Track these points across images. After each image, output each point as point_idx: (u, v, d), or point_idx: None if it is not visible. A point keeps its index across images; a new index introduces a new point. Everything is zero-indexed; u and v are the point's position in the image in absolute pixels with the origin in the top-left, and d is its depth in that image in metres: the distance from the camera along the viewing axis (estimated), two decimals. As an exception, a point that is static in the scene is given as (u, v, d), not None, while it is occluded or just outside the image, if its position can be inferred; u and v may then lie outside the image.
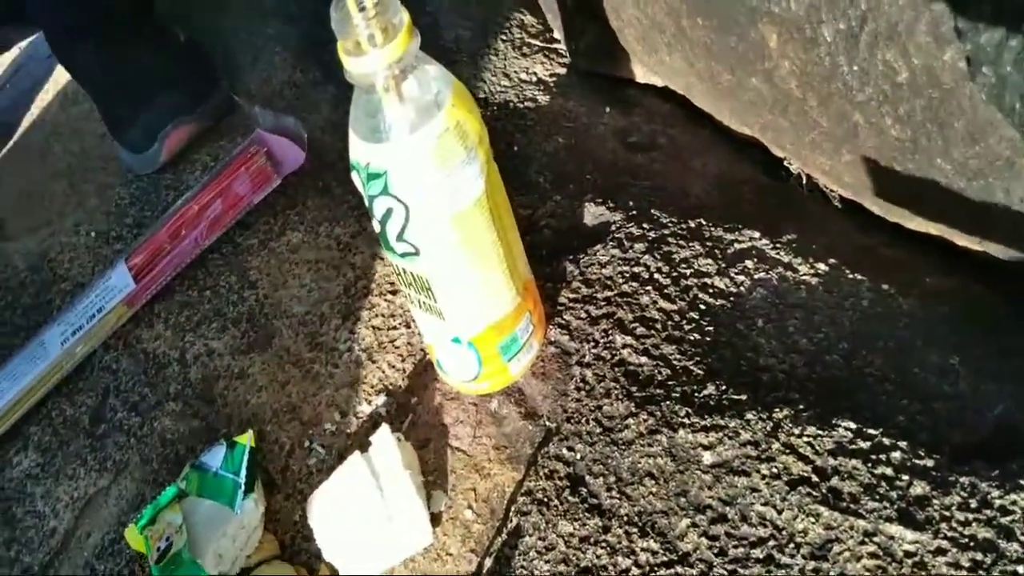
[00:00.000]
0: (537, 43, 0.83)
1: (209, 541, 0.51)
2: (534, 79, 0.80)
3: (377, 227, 0.45)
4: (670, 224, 0.60)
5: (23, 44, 1.20)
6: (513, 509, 0.48)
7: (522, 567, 0.45)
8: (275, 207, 0.75)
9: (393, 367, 0.58)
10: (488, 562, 0.46)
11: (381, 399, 0.57)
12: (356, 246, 0.68)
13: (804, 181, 0.64)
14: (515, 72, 0.81)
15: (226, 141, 0.85)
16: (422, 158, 0.41)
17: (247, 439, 0.56)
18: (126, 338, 0.70)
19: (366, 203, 0.45)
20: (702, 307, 0.53)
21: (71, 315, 0.71)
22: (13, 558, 0.61)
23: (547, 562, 0.44)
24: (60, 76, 1.09)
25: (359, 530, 0.48)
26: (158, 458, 0.60)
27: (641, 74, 0.77)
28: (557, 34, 0.81)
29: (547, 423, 0.51)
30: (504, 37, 0.84)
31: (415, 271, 0.46)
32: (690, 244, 0.58)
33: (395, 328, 0.61)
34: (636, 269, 0.57)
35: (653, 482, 0.45)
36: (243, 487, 0.53)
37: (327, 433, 0.57)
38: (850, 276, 0.53)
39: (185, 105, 0.83)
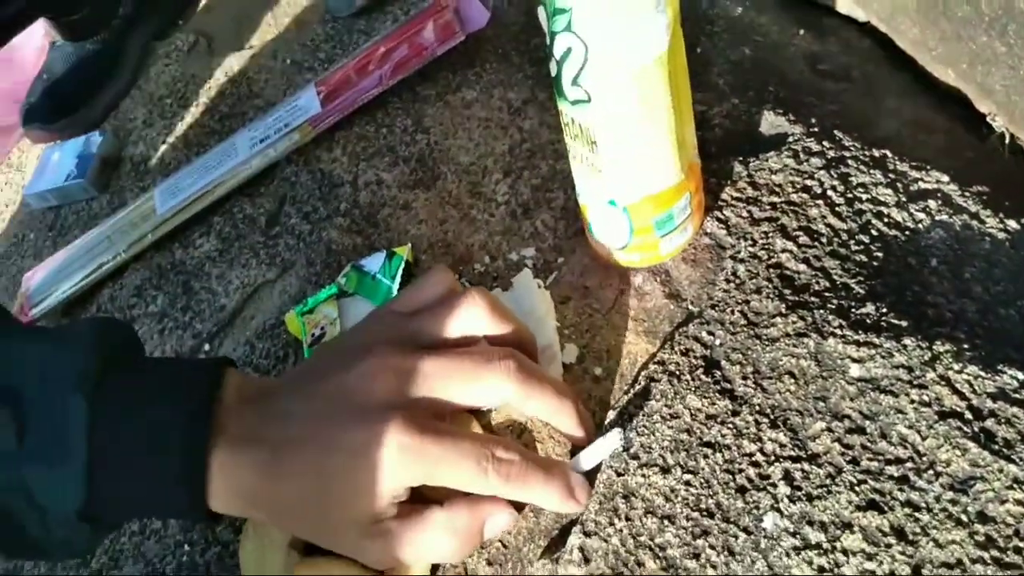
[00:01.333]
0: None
1: (356, 339, 0.51)
2: (728, -10, 0.72)
3: (554, 68, 0.42)
4: (852, 148, 0.53)
5: None
6: (643, 374, 0.45)
7: (644, 426, 0.42)
8: (455, 65, 0.72)
9: (546, 225, 0.55)
10: (611, 415, 0.44)
11: (530, 251, 0.54)
12: (526, 112, 0.65)
13: (1007, 141, 0.55)
14: (709, -21, 0.73)
15: None
16: None
17: (405, 251, 0.55)
18: (306, 156, 0.70)
19: (547, 41, 0.41)
20: (874, 232, 0.48)
21: (261, 125, 0.72)
22: (187, 322, 0.63)
23: (670, 428, 0.42)
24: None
25: (493, 360, 0.47)
26: (322, 263, 0.60)
27: (843, 4, 0.68)
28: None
29: (690, 307, 0.47)
30: (703, -55, 0.76)
31: (583, 121, 0.43)
32: (871, 171, 0.51)
33: (552, 191, 0.58)
34: (809, 182, 0.51)
35: (792, 381, 0.41)
36: (396, 293, 0.52)
37: (475, 272, 0.55)
38: (1043, 238, 0.46)
39: (390, -43, 0.81)
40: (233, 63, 0.85)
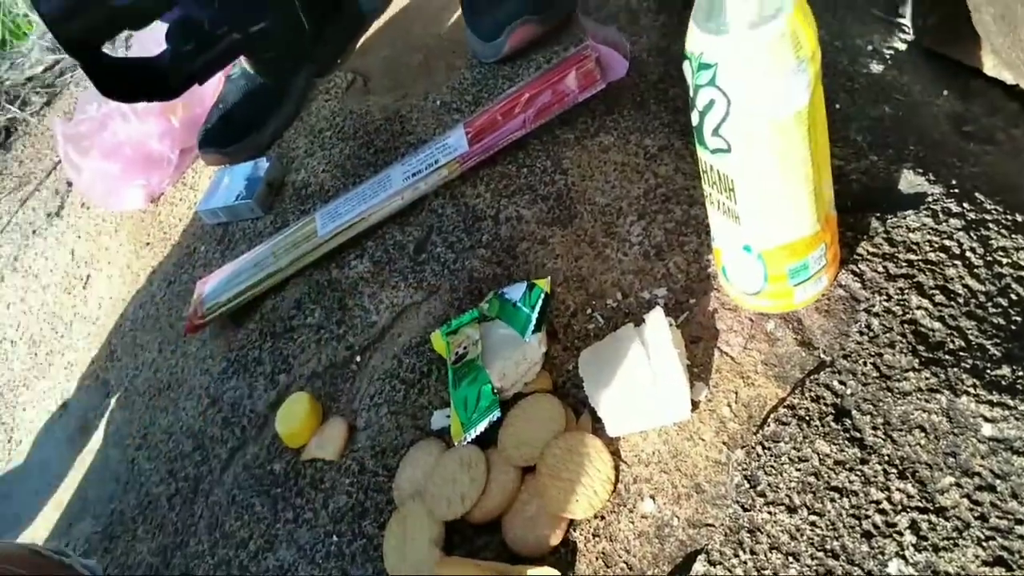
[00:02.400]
0: (880, 14, 0.78)
1: (497, 359, 0.57)
2: (869, 48, 0.75)
3: (696, 119, 0.46)
4: (994, 211, 0.55)
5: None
6: (773, 416, 0.48)
7: (771, 466, 0.46)
8: (595, 111, 0.78)
9: (678, 267, 0.60)
10: (739, 453, 0.48)
11: (661, 291, 0.59)
12: (661, 158, 0.70)
13: None
14: (850, 37, 0.76)
15: (560, 48, 0.89)
16: (754, 56, 0.41)
17: (545, 284, 0.61)
18: (453, 191, 0.77)
19: (690, 94, 0.45)
20: (1013, 296, 0.49)
21: (413, 160, 0.80)
22: (340, 335, 0.72)
23: (798, 471, 0.45)
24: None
25: (623, 389, 0.51)
26: (464, 289, 0.67)
27: (990, 66, 0.69)
28: (904, 9, 0.75)
29: (822, 356, 0.50)
30: (845, 2, 0.79)
31: (722, 169, 0.47)
32: (1013, 236, 0.53)
33: (686, 235, 0.62)
34: (947, 243, 0.53)
35: (923, 435, 0.44)
36: (534, 322, 0.58)
37: (608, 307, 0.60)
38: None
39: (534, 7, 0.88)
40: (387, 102, 0.95)
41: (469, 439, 0.55)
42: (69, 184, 1.30)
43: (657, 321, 0.53)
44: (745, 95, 0.43)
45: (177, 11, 0.92)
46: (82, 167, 1.11)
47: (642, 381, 0.51)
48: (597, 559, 0.49)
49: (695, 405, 0.51)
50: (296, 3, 1.01)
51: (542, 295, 0.60)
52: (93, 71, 0.86)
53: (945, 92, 0.68)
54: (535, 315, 0.58)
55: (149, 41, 1.12)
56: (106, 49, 0.90)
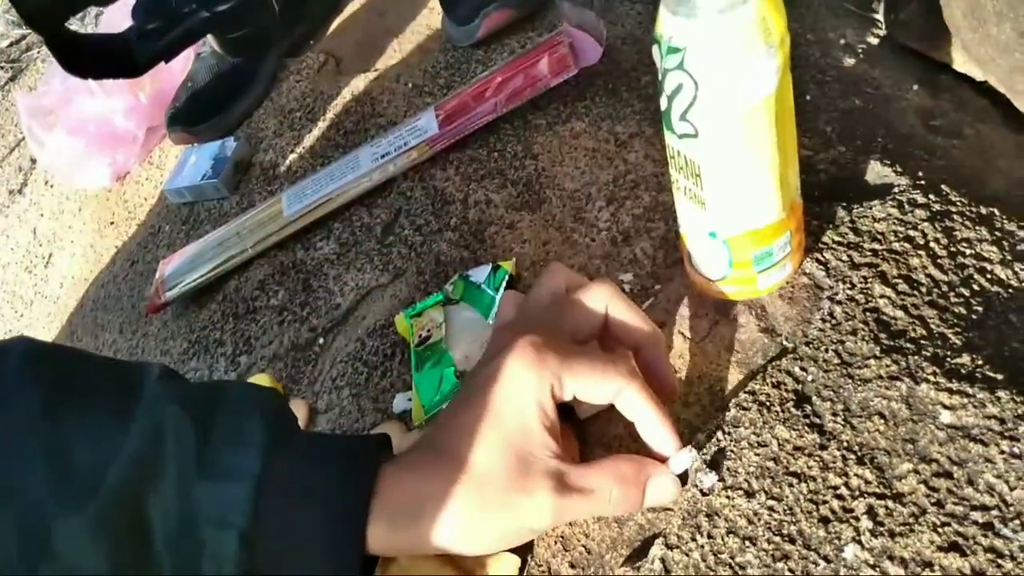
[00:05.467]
0: (853, 8, 0.78)
1: (461, 342, 0.56)
2: (842, 42, 0.75)
3: (664, 103, 0.45)
4: (959, 203, 0.54)
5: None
6: (734, 402, 0.48)
7: (731, 451, 0.45)
8: (566, 97, 0.77)
9: (645, 253, 0.59)
10: (699, 438, 0.47)
11: (628, 276, 0.58)
12: (632, 145, 0.69)
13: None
14: (823, 30, 0.76)
15: (535, 34, 0.88)
16: (722, 40, 0.41)
17: (509, 266, 0.60)
18: (422, 173, 0.76)
19: (659, 78, 0.45)
20: (975, 287, 0.49)
21: (383, 142, 0.79)
22: (304, 317, 0.70)
23: (757, 455, 0.44)
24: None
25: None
26: (430, 272, 0.66)
27: (960, 62, 0.69)
28: (877, 4, 0.75)
29: (784, 342, 0.50)
30: (818, -5, 0.79)
31: (689, 155, 0.46)
32: (976, 228, 0.53)
33: (653, 221, 0.61)
34: (912, 233, 0.53)
35: (882, 422, 0.43)
36: (498, 304, 0.57)
37: (574, 292, 0.59)
38: None
39: (510, -8, 0.87)
40: (359, 83, 0.93)
41: (430, 422, 0.54)
42: (33, 161, 1.26)
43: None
44: (713, 80, 0.43)
45: (143, -13, 0.89)
46: (45, 142, 1.08)
47: (605, 365, 0.50)
48: (556, 543, 0.48)
49: (658, 390, 0.51)
50: (266, -18, 0.99)
51: (506, 276, 0.59)
52: (56, 46, 0.84)
53: (915, 86, 0.68)
54: (499, 297, 0.57)
55: (119, 17, 1.09)
56: (75, 25, 0.87)
